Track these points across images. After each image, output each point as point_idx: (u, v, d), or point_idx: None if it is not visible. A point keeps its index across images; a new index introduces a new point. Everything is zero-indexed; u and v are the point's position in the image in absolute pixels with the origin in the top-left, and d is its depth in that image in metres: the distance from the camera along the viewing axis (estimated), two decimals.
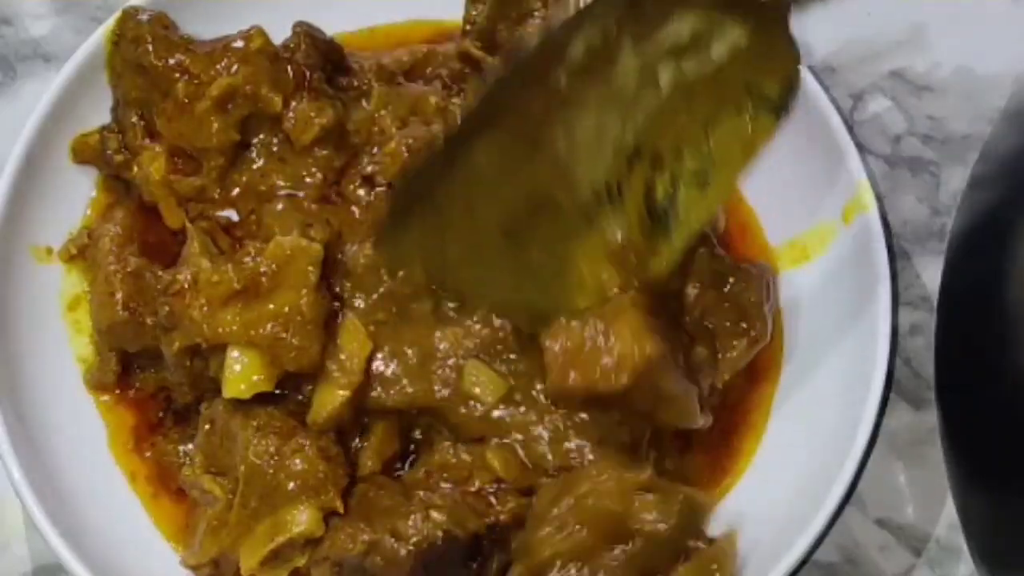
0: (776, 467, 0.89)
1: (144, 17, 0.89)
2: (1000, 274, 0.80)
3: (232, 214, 0.90)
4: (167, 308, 0.84)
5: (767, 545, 0.85)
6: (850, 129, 0.92)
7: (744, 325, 0.88)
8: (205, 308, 0.83)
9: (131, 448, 0.89)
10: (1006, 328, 0.80)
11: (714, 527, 0.86)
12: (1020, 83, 0.91)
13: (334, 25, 0.94)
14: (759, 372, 0.91)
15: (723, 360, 0.88)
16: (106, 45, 0.90)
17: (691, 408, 0.85)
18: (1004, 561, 0.84)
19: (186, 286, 0.84)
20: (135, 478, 0.89)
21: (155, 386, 0.90)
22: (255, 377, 0.83)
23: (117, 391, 0.89)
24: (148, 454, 0.89)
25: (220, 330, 0.83)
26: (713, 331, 0.88)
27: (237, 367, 0.83)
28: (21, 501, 0.83)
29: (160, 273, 0.87)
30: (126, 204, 0.91)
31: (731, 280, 0.89)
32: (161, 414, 0.90)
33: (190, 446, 0.88)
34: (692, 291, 0.88)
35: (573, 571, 0.81)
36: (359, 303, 0.87)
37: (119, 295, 0.87)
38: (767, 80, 0.76)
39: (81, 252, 0.91)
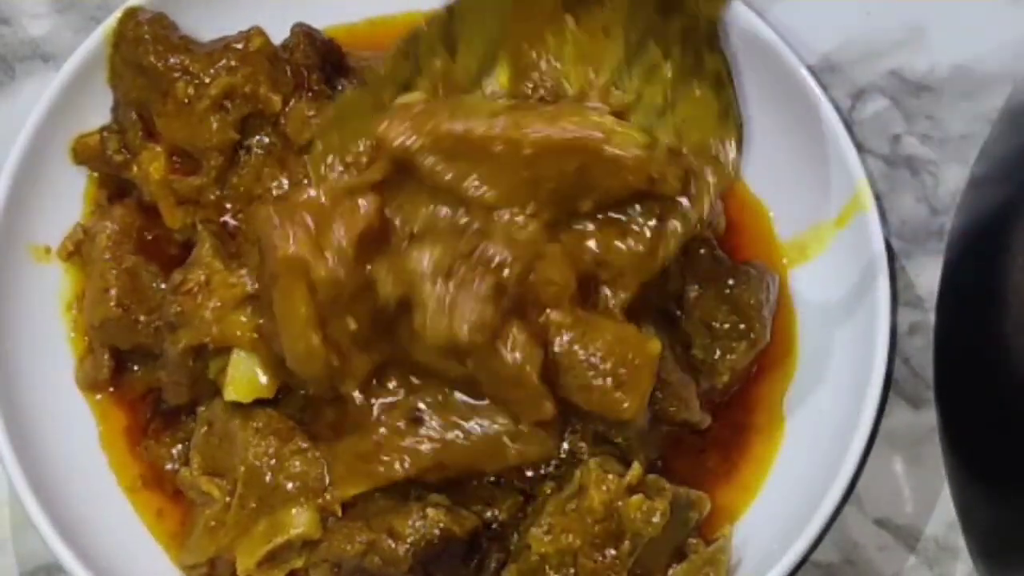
0: (775, 467, 0.89)
1: (144, 17, 0.89)
2: (1000, 274, 0.80)
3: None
4: (177, 307, 0.84)
5: (766, 544, 0.85)
6: (849, 129, 0.92)
7: (744, 327, 0.88)
8: (218, 309, 0.83)
9: (127, 449, 0.89)
10: (1005, 328, 0.80)
11: (717, 526, 0.86)
12: (1019, 83, 0.91)
13: (334, 17, 0.95)
14: (770, 371, 0.91)
15: (722, 362, 0.88)
16: (106, 46, 0.90)
17: (689, 399, 0.85)
18: (1003, 560, 0.84)
19: (195, 287, 0.84)
20: (131, 480, 0.89)
21: (144, 387, 0.90)
22: (259, 382, 0.83)
23: (111, 389, 0.89)
24: (143, 456, 0.89)
25: (230, 332, 0.83)
26: (713, 333, 0.88)
27: (240, 370, 0.83)
28: (20, 501, 0.83)
29: (158, 271, 0.87)
30: (125, 203, 0.91)
31: (731, 281, 0.89)
32: (149, 415, 0.90)
33: (180, 448, 0.88)
34: (692, 292, 0.88)
35: (565, 571, 0.81)
36: None
37: (113, 291, 0.87)
38: None
39: (77, 249, 0.91)
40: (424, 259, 0.79)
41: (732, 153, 0.83)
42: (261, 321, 0.82)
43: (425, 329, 0.79)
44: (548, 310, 0.80)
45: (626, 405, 0.80)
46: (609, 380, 0.80)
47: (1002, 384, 0.80)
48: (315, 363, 0.80)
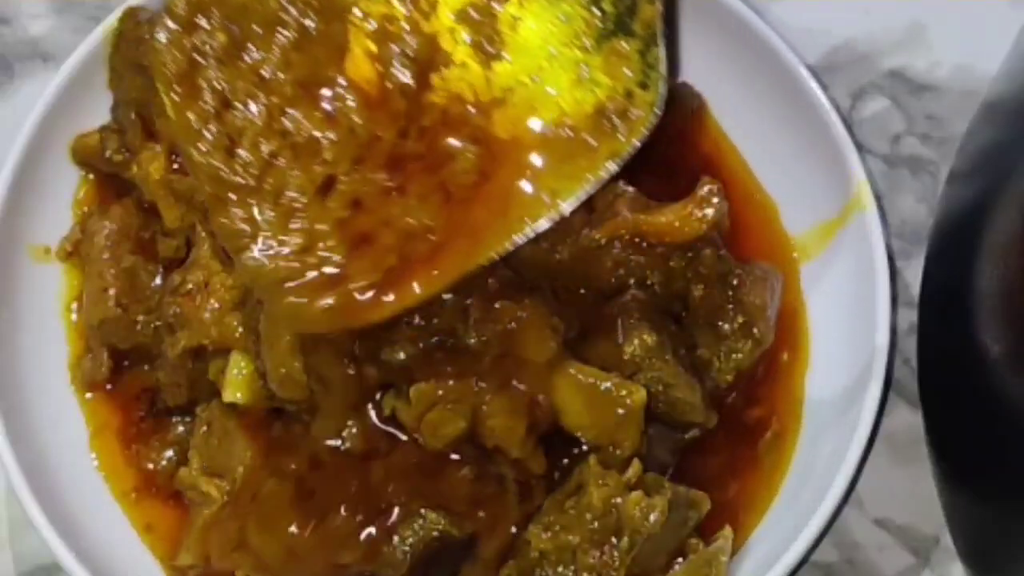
0: (775, 467, 0.89)
1: (144, 17, 0.89)
2: (972, 272, 0.80)
3: None
4: (176, 308, 0.84)
5: (766, 545, 0.85)
6: (849, 129, 0.92)
7: (749, 327, 0.88)
8: (216, 311, 0.83)
9: (123, 451, 0.89)
10: (979, 325, 0.79)
11: (716, 527, 0.86)
12: (996, 77, 0.90)
13: None
14: (779, 370, 0.91)
15: (728, 362, 0.88)
16: (106, 46, 0.90)
17: (695, 402, 0.85)
18: (989, 561, 0.84)
19: (194, 289, 0.84)
20: (126, 490, 0.88)
21: (139, 387, 0.89)
22: (257, 384, 0.83)
23: (108, 386, 0.89)
24: (137, 458, 0.89)
25: (229, 334, 0.83)
26: (718, 333, 0.88)
27: (239, 372, 0.83)
28: (19, 501, 0.83)
29: (157, 271, 0.87)
30: (123, 202, 0.91)
31: (735, 281, 0.89)
32: (141, 415, 0.89)
33: (171, 452, 0.88)
34: (697, 292, 0.88)
35: (563, 569, 0.81)
36: None
37: (112, 291, 0.87)
38: None
39: (76, 249, 0.91)
40: (399, 356, 0.80)
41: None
42: (249, 340, 0.82)
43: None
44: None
45: (619, 451, 0.82)
46: (594, 443, 0.83)
47: (978, 381, 0.79)
48: (295, 388, 0.80)
